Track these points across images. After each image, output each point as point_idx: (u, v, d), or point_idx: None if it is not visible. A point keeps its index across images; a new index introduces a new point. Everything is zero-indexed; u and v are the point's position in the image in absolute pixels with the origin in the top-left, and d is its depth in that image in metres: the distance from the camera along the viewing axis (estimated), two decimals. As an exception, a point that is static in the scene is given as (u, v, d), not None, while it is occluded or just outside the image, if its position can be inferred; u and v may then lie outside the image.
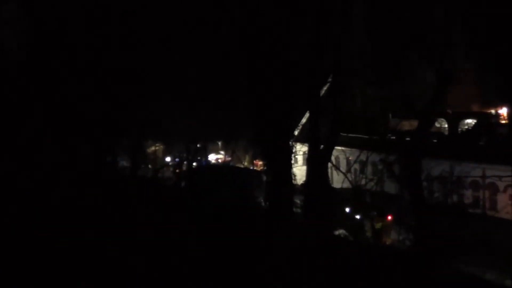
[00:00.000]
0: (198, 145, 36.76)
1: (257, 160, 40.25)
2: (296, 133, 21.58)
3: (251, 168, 37.46)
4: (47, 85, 17.78)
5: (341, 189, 20.64)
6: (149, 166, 34.80)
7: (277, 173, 17.13)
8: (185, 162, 35.60)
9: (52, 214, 12.40)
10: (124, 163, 29.59)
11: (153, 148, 38.28)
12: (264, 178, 24.53)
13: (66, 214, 12.48)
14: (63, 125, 18.19)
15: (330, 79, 18.11)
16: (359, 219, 19.72)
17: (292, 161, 17.98)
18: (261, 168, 35.53)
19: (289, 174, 17.22)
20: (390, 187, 20.39)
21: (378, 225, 19.21)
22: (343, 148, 23.63)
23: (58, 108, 18.08)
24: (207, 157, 45.16)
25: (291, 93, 16.94)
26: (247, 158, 41.99)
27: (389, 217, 20.96)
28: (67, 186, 15.20)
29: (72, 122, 18.32)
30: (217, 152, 50.40)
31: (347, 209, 20.72)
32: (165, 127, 30.86)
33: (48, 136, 17.42)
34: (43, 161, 16.63)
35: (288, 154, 17.36)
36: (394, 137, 21.52)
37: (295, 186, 18.68)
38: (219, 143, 48.59)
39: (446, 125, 35.98)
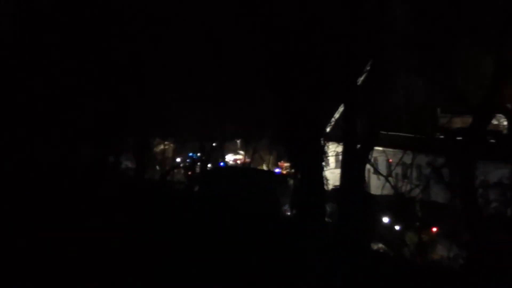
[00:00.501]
0: (213, 144, 36.76)
1: (282, 162, 40.12)
2: (328, 130, 21.25)
3: (275, 170, 37.31)
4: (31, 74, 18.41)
5: (380, 196, 20.67)
6: (157, 167, 34.85)
7: (306, 177, 17.01)
8: (198, 164, 35.69)
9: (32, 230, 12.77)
10: (128, 164, 29.74)
11: (161, 147, 37.89)
12: (291, 182, 24.90)
13: (51, 229, 12.68)
14: (52, 120, 18.70)
15: (368, 67, 17.56)
16: (399, 230, 19.65)
17: (324, 163, 17.63)
18: (287, 171, 35.52)
19: (320, 178, 16.97)
20: (438, 195, 20.14)
21: (421, 238, 19.11)
22: (383, 148, 23.13)
23: (43, 99, 18.86)
24: (224, 158, 44.81)
25: (322, 83, 16.70)
26: (271, 159, 42.01)
27: (434, 229, 20.77)
28: (55, 192, 16.05)
29: (65, 116, 18.85)
30: (236, 152, 50.13)
31: (386, 219, 20.71)
32: (176, 123, 30.87)
33: (32, 134, 17.99)
34: (26, 162, 17.16)
35: (318, 154, 17.14)
36: (443, 136, 21.20)
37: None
38: (238, 141, 48.06)
39: (506, 123, 35.00)
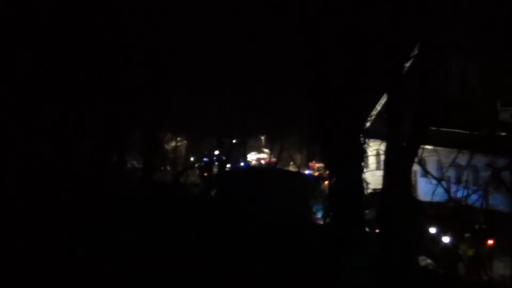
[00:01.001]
0: (233, 141, 36.41)
1: (313, 162, 40.04)
2: (367, 124, 20.90)
3: (306, 172, 37.39)
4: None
5: (429, 203, 20.38)
6: (168, 167, 34.71)
7: (342, 180, 16.81)
8: (216, 163, 35.38)
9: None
10: (134, 163, 29.71)
11: (173, 144, 37.73)
12: (324, 186, 25.12)
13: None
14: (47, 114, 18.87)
15: (416, 51, 17.17)
16: (451, 243, 19.81)
17: (363, 163, 17.48)
18: (319, 172, 36.12)
19: (359, 181, 16.84)
20: (498, 201, 20.52)
21: (471, 252, 19.36)
22: (433, 147, 22.59)
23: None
24: (246, 157, 44.62)
25: (362, 69, 16.47)
26: (300, 158, 41.70)
27: (490, 242, 20.83)
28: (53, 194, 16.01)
29: (62, 110, 19.65)
30: (260, 151, 49.96)
31: (432, 229, 20.92)
32: (190, 116, 30.69)
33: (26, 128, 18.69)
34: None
35: (357, 153, 16.98)
36: (505, 134, 21.13)
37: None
38: (262, 138, 48.31)
39: None
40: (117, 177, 23.57)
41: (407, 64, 17.71)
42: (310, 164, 41.02)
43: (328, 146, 17.37)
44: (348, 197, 16.56)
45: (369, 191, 19.44)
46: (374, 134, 20.43)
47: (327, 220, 21.33)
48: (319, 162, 38.28)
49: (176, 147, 37.90)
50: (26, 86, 19.89)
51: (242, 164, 41.38)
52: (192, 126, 33.77)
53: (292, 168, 40.99)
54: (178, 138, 38.75)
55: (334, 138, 16.74)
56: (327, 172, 19.07)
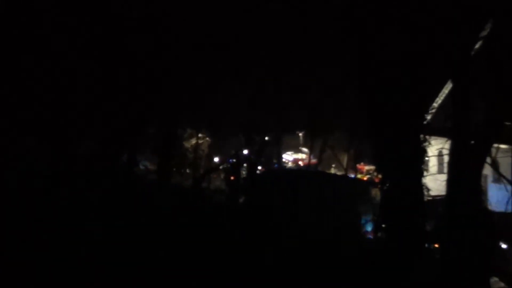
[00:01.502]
0: (266, 138, 36.05)
1: (362, 164, 39.41)
2: (428, 118, 19.98)
3: (353, 176, 37.20)
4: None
5: (501, 213, 20.16)
6: (187, 170, 34.50)
7: (398, 185, 16.69)
8: (244, 165, 34.90)
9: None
10: (147, 165, 29.68)
11: (193, 141, 37.79)
12: (375, 192, 24.68)
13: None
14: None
15: (487, 29, 17.02)
16: None
17: (423, 166, 17.22)
18: (369, 176, 36.27)
19: (418, 187, 16.64)
20: None
21: None
22: (508, 146, 22.91)
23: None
24: (281, 157, 44.77)
25: (422, 51, 16.25)
26: (346, 159, 40.65)
27: None
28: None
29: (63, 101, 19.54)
30: (297, 150, 49.88)
31: (503, 245, 20.77)
32: (214, 108, 30.42)
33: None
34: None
35: (416, 153, 16.73)
36: None
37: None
38: (301, 134, 48.03)
39: None
40: (126, 181, 23.25)
41: (476, 46, 17.42)
42: (358, 166, 40.62)
43: (380, 145, 17.25)
44: (404, 207, 16.38)
45: (429, 198, 19.25)
46: (436, 130, 20.02)
47: (379, 234, 20.28)
48: (369, 163, 38.20)
49: (197, 146, 37.85)
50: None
51: (276, 166, 41.06)
52: (216, 120, 33.51)
53: (336, 171, 40.65)
54: (200, 135, 38.47)
55: (388, 135, 16.58)
56: (379, 176, 19.00)
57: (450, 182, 16.54)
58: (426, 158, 17.55)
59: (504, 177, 19.74)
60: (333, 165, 41.62)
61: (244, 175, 34.56)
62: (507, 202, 19.05)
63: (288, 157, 49.01)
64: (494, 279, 18.78)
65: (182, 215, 19.56)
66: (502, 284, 19.16)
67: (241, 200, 29.02)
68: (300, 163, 47.93)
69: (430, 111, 20.76)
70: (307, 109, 32.79)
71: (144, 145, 27.93)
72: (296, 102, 31.33)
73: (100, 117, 21.40)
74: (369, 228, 24.56)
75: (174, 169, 30.30)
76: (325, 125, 34.46)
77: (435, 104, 22.37)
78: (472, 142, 16.61)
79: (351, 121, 28.76)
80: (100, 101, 21.48)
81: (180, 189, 28.88)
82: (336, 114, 31.09)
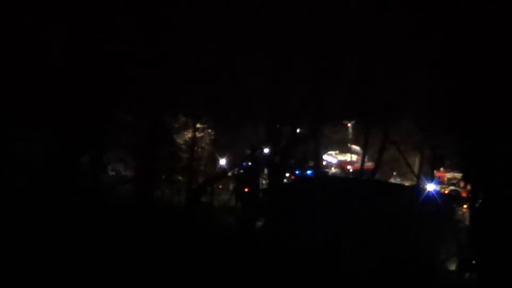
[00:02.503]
0: (297, 130, 35.07)
1: (441, 170, 38.42)
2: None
3: (428, 188, 35.67)
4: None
5: None
6: (179, 177, 33.60)
7: (497, 202, 18.39)
8: (265, 171, 34.17)
9: None
10: (120, 169, 28.83)
11: (188, 135, 37.07)
12: (460, 212, 25.04)
13: None
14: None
15: None
16: None
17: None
18: (452, 188, 36.06)
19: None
20: None
21: None
22: None
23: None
24: (320, 159, 42.32)
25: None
26: (417, 162, 39.76)
27: None
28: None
29: None
30: (344, 148, 48.00)
31: None
32: (220, 87, 29.37)
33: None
34: None
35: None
36: None
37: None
38: (349, 125, 47.53)
39: None
40: (90, 191, 23.85)
41: None
42: (436, 173, 37.84)
43: (474, 140, 18.69)
44: (508, 233, 17.68)
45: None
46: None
47: (467, 274, 21.70)
48: (452, 169, 37.45)
49: (194, 141, 34.94)
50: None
51: (311, 172, 38.53)
52: (223, 103, 30.31)
53: (401, 180, 39.52)
54: (198, 125, 35.25)
55: (484, 126, 18.03)
56: (468, 187, 20.87)
57: None
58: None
59: None
60: (395, 172, 40.75)
61: (264, 186, 33.58)
62: None
63: (330, 158, 47.37)
64: None
65: (169, 247, 20.16)
66: None
67: (259, 224, 28.62)
68: (349, 167, 46.56)
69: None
70: (361, 89, 31.50)
71: (115, 140, 26.66)
72: (343, 76, 30.22)
73: (42, 98, 20.90)
74: (451, 265, 24.09)
75: (159, 176, 29.79)
76: (388, 110, 33.67)
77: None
78: None
79: (427, 106, 27.58)
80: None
81: (167, 206, 28.76)
82: (403, 93, 30.11)
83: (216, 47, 27.36)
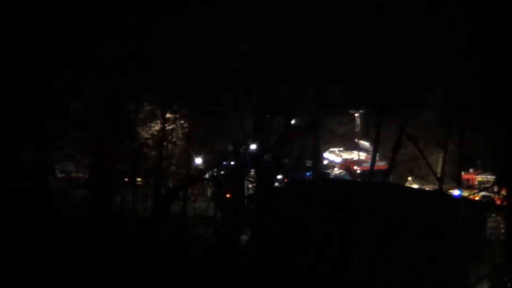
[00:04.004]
0: (292, 121, 34.35)
1: (471, 172, 37.87)
2: None
3: (454, 193, 34.76)
4: None
5: None
6: (144, 180, 32.86)
7: None
8: (252, 171, 33.44)
9: None
10: (71, 170, 27.92)
11: (156, 127, 35.03)
12: (495, 223, 24.87)
13: None
14: None
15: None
16: None
17: None
18: (484, 194, 35.61)
19: None
20: None
21: None
22: None
23: None
24: (320, 158, 40.43)
25: None
26: (440, 162, 39.00)
27: None
28: None
29: None
30: (350, 144, 49.14)
31: None
32: (195, 63, 28.57)
33: None
34: None
35: None
36: None
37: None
38: (357, 116, 46.50)
39: None
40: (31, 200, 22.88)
41: None
42: (464, 175, 37.53)
43: (509, 137, 19.85)
44: None
45: None
46: None
47: None
48: (484, 171, 37.95)
49: (163, 135, 33.97)
50: None
51: (309, 174, 37.36)
52: (197, 87, 30.24)
53: (420, 184, 38.95)
54: (169, 115, 34.84)
55: None
56: (503, 192, 21.27)
57: None
58: None
59: None
60: (409, 177, 40.89)
61: (250, 191, 33.26)
62: None
63: (333, 157, 48.45)
64: None
65: (131, 270, 20.13)
66: None
67: (243, 238, 28.49)
68: (356, 168, 47.05)
69: None
70: (371, 71, 30.43)
71: (63, 133, 25.81)
72: (351, 53, 29.16)
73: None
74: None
75: (120, 179, 28.81)
76: (405, 97, 32.68)
77: None
78: None
79: (454, 91, 26.86)
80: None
81: (130, 217, 28.09)
82: (424, 76, 29.25)
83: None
